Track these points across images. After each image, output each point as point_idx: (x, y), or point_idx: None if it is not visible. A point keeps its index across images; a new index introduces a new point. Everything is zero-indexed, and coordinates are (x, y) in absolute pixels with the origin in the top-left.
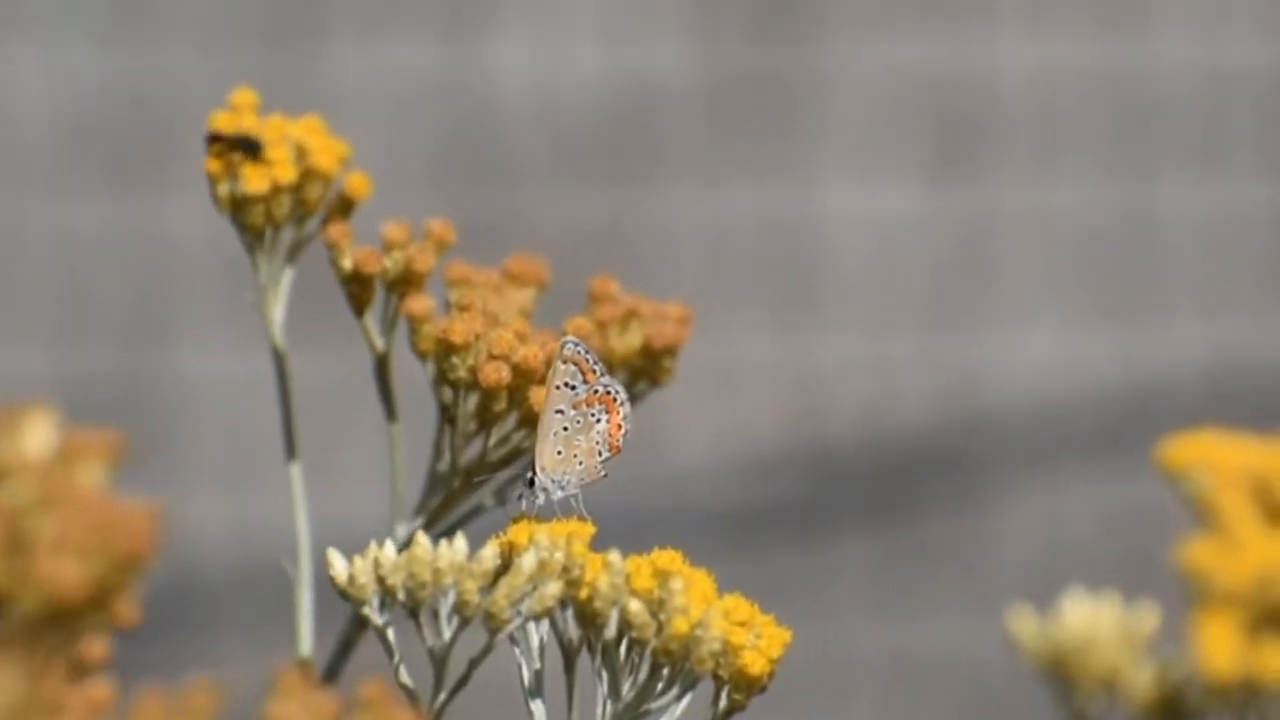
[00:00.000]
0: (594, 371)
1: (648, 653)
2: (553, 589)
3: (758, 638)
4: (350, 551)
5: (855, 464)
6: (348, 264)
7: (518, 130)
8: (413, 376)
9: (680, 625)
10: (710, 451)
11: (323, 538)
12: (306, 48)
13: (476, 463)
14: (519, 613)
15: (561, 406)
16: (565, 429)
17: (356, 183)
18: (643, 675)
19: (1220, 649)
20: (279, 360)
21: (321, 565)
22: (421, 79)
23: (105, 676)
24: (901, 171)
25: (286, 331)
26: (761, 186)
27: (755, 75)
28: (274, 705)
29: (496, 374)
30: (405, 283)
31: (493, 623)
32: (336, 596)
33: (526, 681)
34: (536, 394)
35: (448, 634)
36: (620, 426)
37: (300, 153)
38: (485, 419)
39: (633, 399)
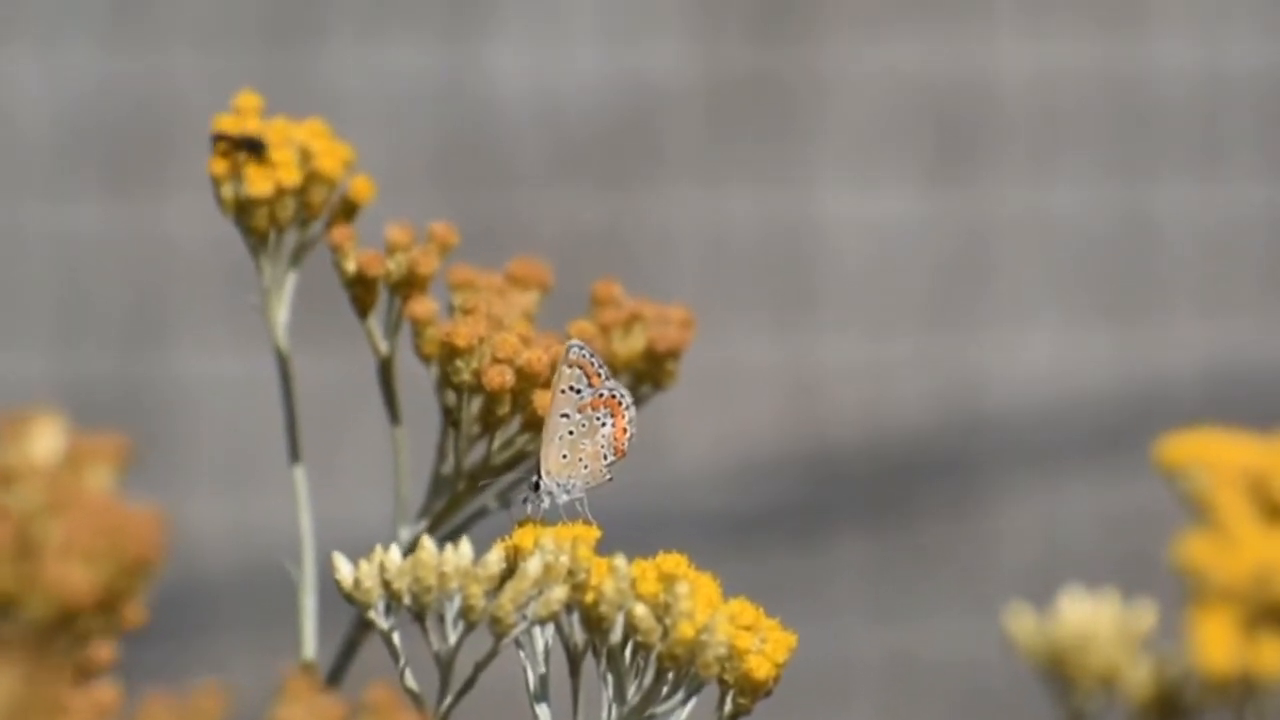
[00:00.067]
0: (599, 375)
1: (653, 657)
2: (558, 593)
3: (763, 642)
4: (352, 554)
5: (855, 465)
6: (351, 267)
7: (517, 131)
8: (416, 379)
9: (686, 629)
10: (710, 453)
11: (325, 540)
12: (306, 49)
13: (480, 466)
14: (524, 617)
15: (566, 410)
16: (570, 433)
17: (360, 186)
18: (648, 679)
19: (1217, 645)
20: (282, 363)
21: (324, 568)
22: (421, 80)
23: (110, 679)
24: (901, 173)
25: (290, 334)
26: (761, 188)
27: (755, 76)
28: (280, 709)
29: (501, 377)
30: (409, 286)
31: (498, 627)
32: (338, 599)
33: (532, 685)
34: (540, 397)
35: (453, 638)
36: (625, 430)
37: (304, 156)
38: (489, 422)
39: (636, 402)
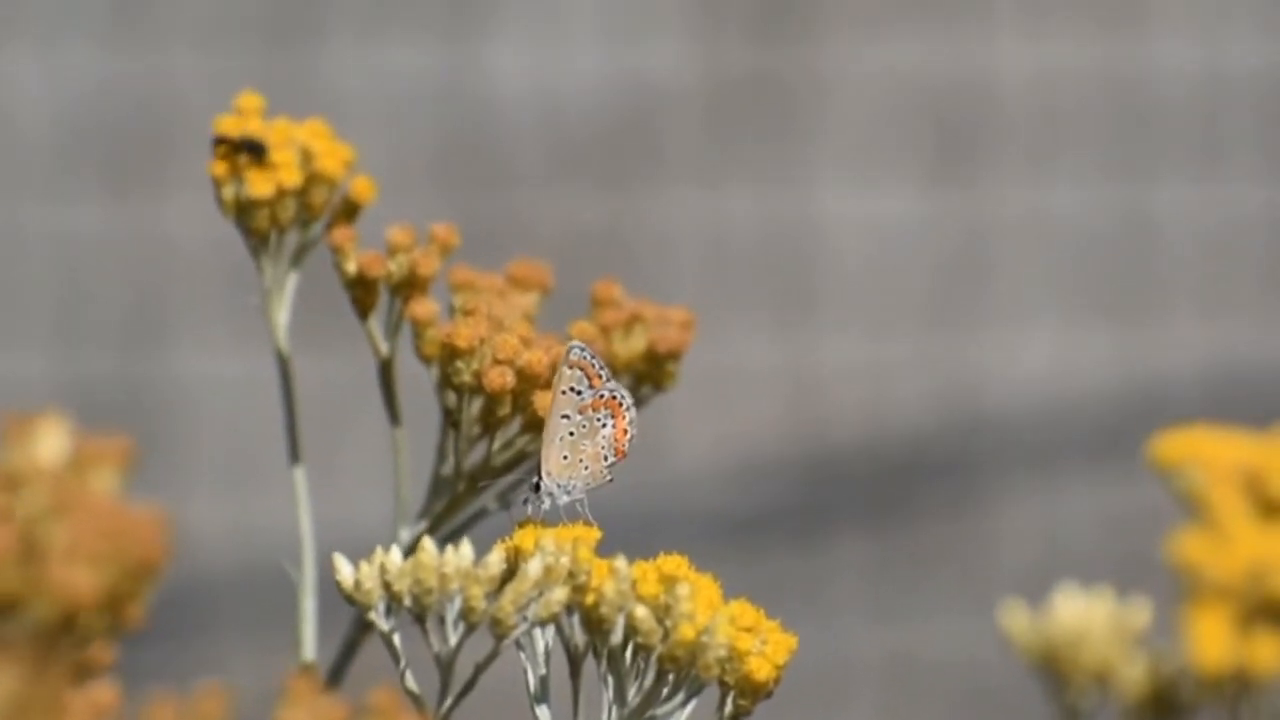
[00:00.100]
0: (600, 376)
1: (653, 658)
2: (559, 594)
3: (763, 643)
4: (352, 555)
5: (855, 466)
6: (352, 268)
7: (517, 131)
8: (416, 380)
9: (686, 631)
10: (710, 454)
11: (325, 541)
12: (306, 49)
13: (480, 467)
14: (525, 618)
15: (567, 411)
16: (571, 434)
17: (361, 187)
18: (648, 681)
19: (1211, 642)
20: (283, 364)
21: (324, 568)
22: (421, 81)
23: (109, 680)
24: (901, 173)
25: (290, 335)
26: (761, 188)
27: (755, 77)
28: (283, 712)
29: (501, 379)
30: (409, 287)
31: (499, 628)
32: (338, 599)
33: (532, 687)
34: (541, 398)
35: (454, 639)
36: (626, 431)
37: (305, 156)
38: (489, 423)
39: (637, 403)
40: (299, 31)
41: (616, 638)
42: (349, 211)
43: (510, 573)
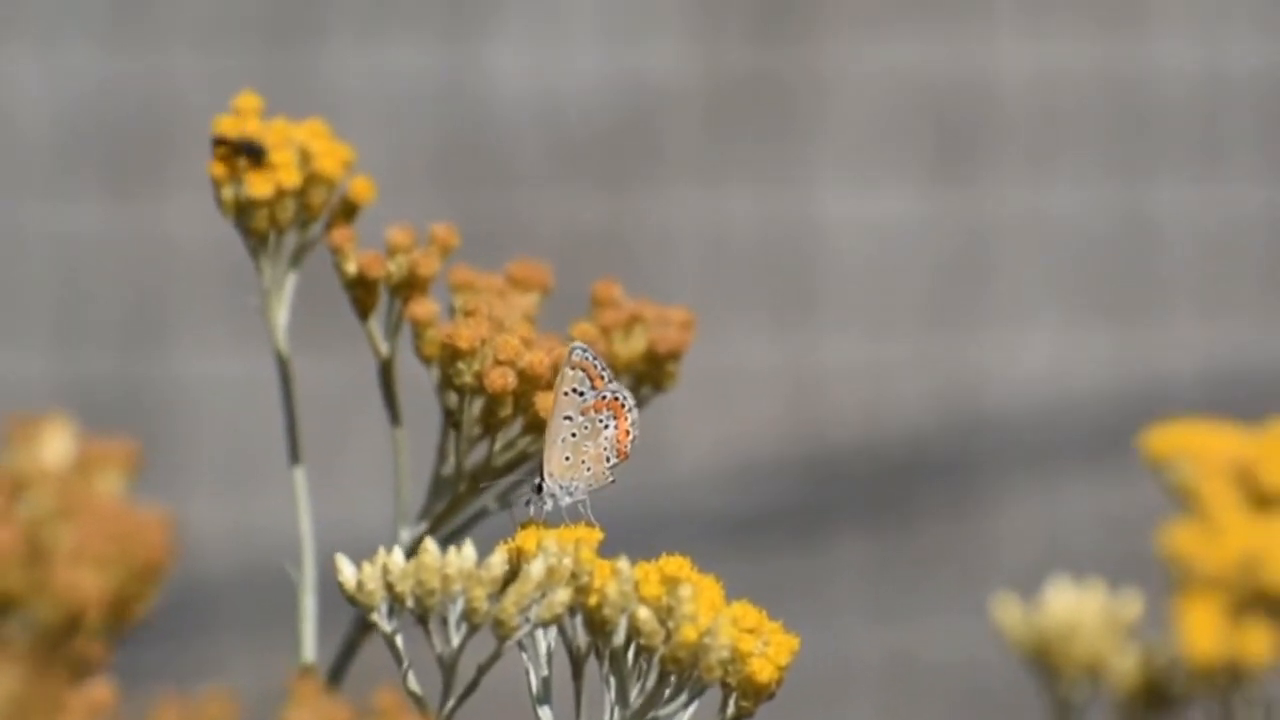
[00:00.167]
0: (602, 377)
1: (656, 660)
2: (562, 596)
3: (766, 645)
4: (353, 555)
5: (854, 466)
6: (352, 268)
7: (517, 131)
8: (417, 381)
9: (689, 633)
10: (710, 454)
11: (325, 541)
12: (306, 49)
13: (481, 468)
14: (527, 619)
15: (569, 412)
16: (573, 435)
17: (361, 187)
18: (651, 682)
19: (1203, 633)
20: (282, 364)
21: (324, 568)
22: (421, 81)
23: (104, 677)
24: (901, 173)
25: (290, 335)
26: (761, 188)
27: (755, 76)
28: (287, 712)
29: (502, 379)
30: (409, 287)
31: (501, 629)
32: (338, 600)
33: (534, 688)
34: (542, 399)
35: (456, 640)
36: (628, 432)
37: (304, 157)
38: (490, 424)
39: (637, 404)
40: (299, 31)
41: (619, 639)
42: (348, 212)
43: (513, 574)
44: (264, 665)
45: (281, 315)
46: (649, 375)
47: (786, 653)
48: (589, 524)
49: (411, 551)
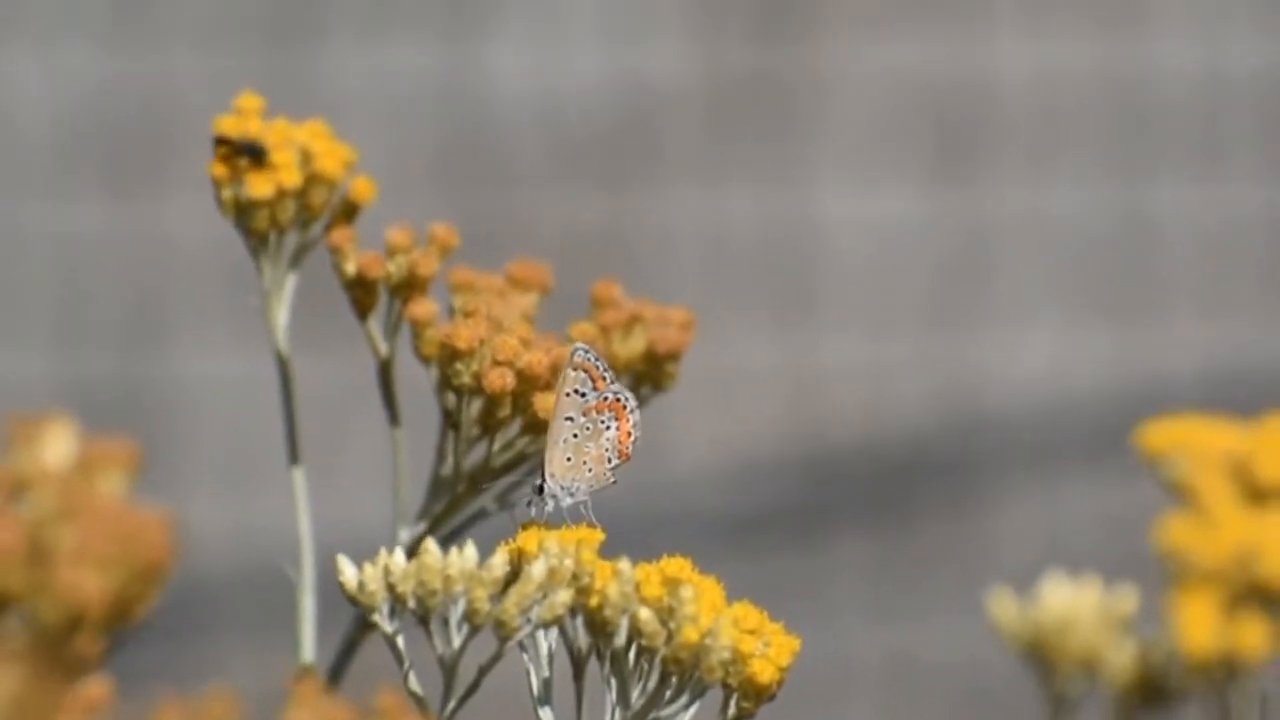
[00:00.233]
0: (604, 378)
1: (657, 661)
2: (563, 597)
3: (767, 646)
4: (352, 555)
5: (854, 466)
6: (351, 269)
7: (517, 131)
8: (416, 381)
9: (690, 634)
10: (710, 454)
11: (324, 542)
12: (306, 49)
13: (480, 468)
14: (529, 620)
15: (571, 413)
16: (575, 436)
17: (361, 187)
18: (652, 683)
19: (1199, 627)
20: (282, 364)
21: (324, 568)
22: (421, 81)
23: (100, 676)
24: (901, 173)
25: (290, 335)
26: (761, 188)
27: (755, 76)
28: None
29: (501, 380)
30: (409, 287)
31: (502, 630)
32: (338, 599)
33: (535, 689)
34: (541, 399)
35: (457, 641)
36: (630, 434)
37: (305, 157)
38: (489, 424)
39: (638, 405)
40: (299, 31)
41: (620, 640)
42: (348, 212)
43: (514, 575)
44: (264, 665)
45: (281, 315)
46: (648, 375)
47: (787, 654)
48: (590, 525)
49: (411, 552)
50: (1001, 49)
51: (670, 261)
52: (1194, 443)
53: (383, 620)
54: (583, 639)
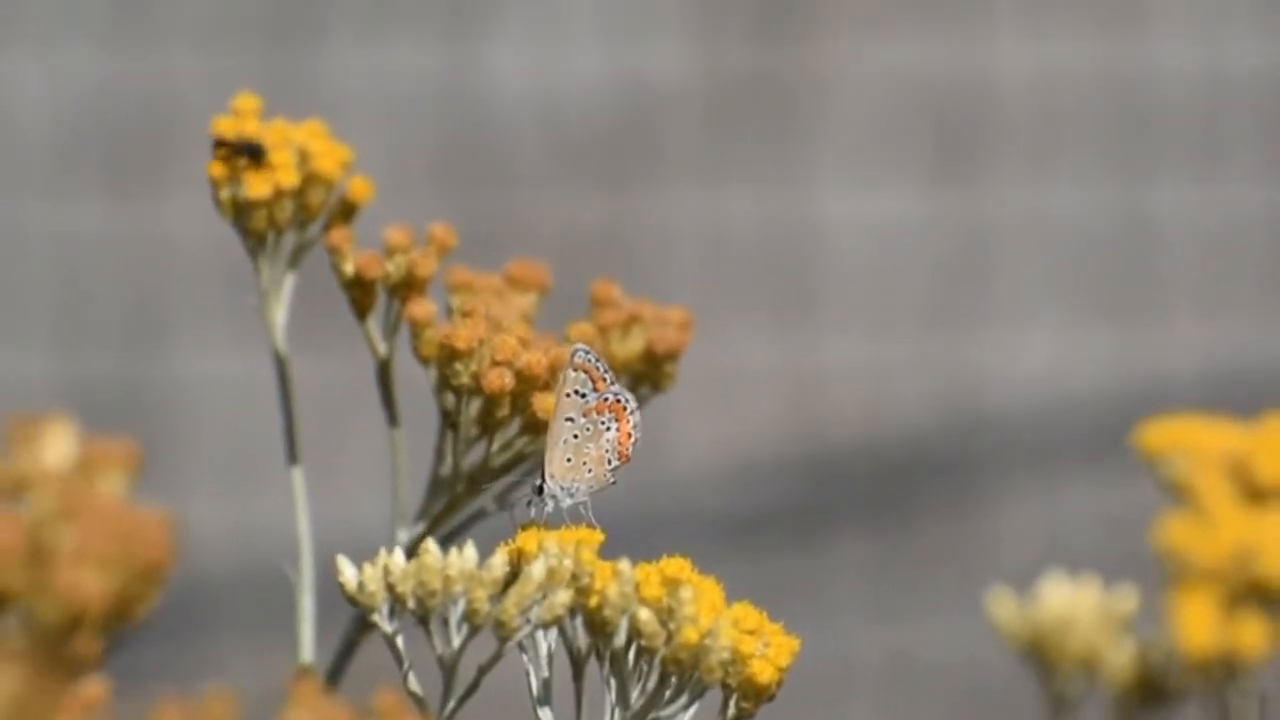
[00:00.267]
0: (604, 379)
1: (656, 661)
2: (562, 597)
3: (766, 646)
4: (351, 555)
5: (854, 466)
6: (349, 269)
7: (517, 131)
8: (414, 381)
9: (690, 634)
10: (710, 454)
11: (324, 542)
12: (306, 49)
13: (478, 468)
14: (528, 620)
15: (571, 414)
16: (575, 436)
17: (359, 187)
18: (651, 683)
19: (1198, 626)
20: (281, 364)
21: (323, 568)
22: (421, 81)
23: (98, 676)
24: (901, 173)
25: (288, 335)
26: (761, 188)
27: (755, 76)
28: (287, 713)
29: (500, 380)
30: (407, 287)
31: (502, 630)
32: (337, 599)
33: (535, 689)
34: (540, 400)
35: (457, 642)
36: (630, 435)
37: (303, 157)
38: (488, 424)
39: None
40: (299, 31)
41: (619, 640)
42: (346, 212)
43: (513, 575)
44: (264, 665)
45: (280, 315)
46: (647, 375)
47: (787, 654)
48: (590, 525)
49: (410, 552)
50: (1001, 49)
51: (670, 261)
52: (1193, 443)
53: (382, 620)
54: (582, 639)
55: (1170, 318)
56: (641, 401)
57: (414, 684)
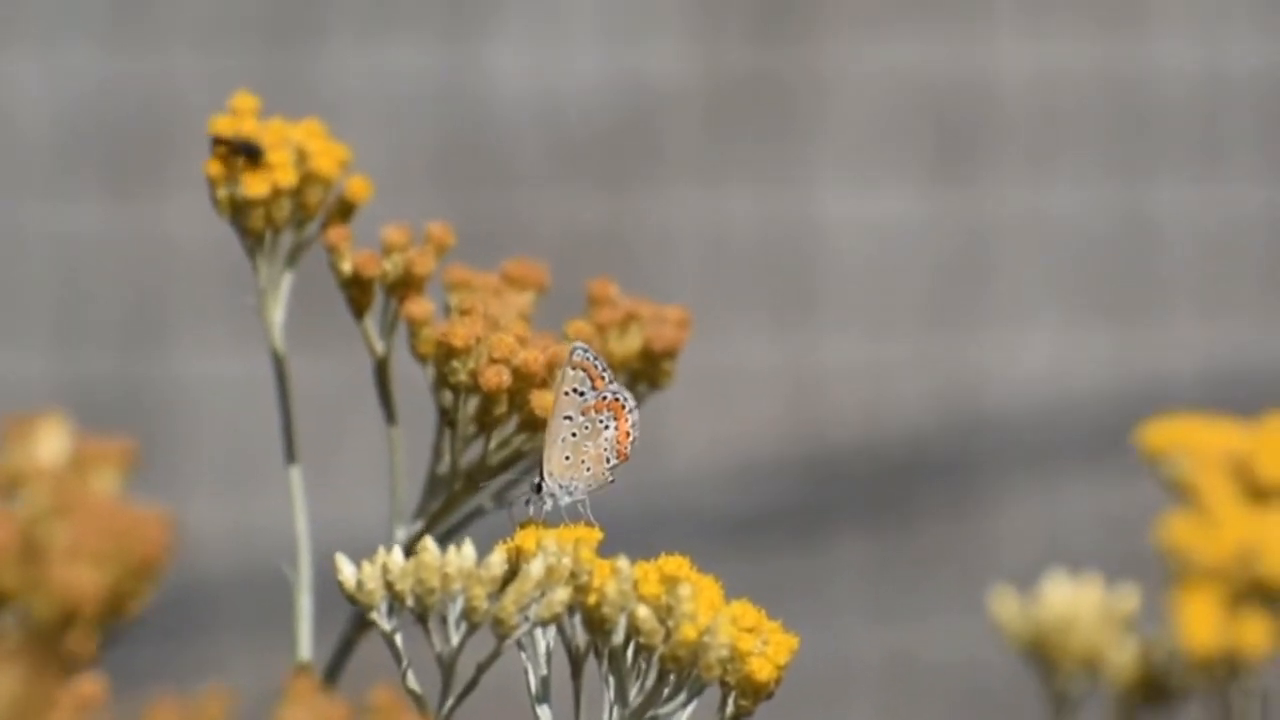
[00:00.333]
0: (603, 378)
1: (655, 659)
2: (561, 595)
3: (765, 644)
4: (350, 554)
5: (854, 466)
6: (347, 267)
7: (517, 131)
8: (412, 380)
9: (688, 632)
10: (709, 453)
11: (322, 541)
12: (306, 49)
13: (476, 466)
14: (527, 618)
15: (570, 412)
16: (573, 435)
17: (356, 186)
18: (650, 681)
19: (1201, 625)
20: (279, 363)
21: (321, 567)
22: (421, 81)
23: (93, 673)
24: (901, 173)
25: (286, 334)
26: (761, 188)
27: (755, 76)
28: (283, 710)
29: (497, 378)
30: (405, 286)
31: (501, 628)
32: (336, 598)
33: (533, 687)
34: (537, 398)
35: (455, 639)
36: (629, 434)
37: (300, 156)
38: (485, 422)
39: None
40: (299, 31)
41: (618, 638)
42: (344, 211)
43: (512, 573)
44: (263, 665)
45: (278, 314)
46: (645, 373)
47: (785, 652)
48: (588, 524)
49: (408, 550)
50: (1001, 49)
51: (670, 261)
52: (1194, 442)
53: (381, 618)
54: (581, 637)
55: (1170, 318)
56: (640, 400)
57: (412, 682)
